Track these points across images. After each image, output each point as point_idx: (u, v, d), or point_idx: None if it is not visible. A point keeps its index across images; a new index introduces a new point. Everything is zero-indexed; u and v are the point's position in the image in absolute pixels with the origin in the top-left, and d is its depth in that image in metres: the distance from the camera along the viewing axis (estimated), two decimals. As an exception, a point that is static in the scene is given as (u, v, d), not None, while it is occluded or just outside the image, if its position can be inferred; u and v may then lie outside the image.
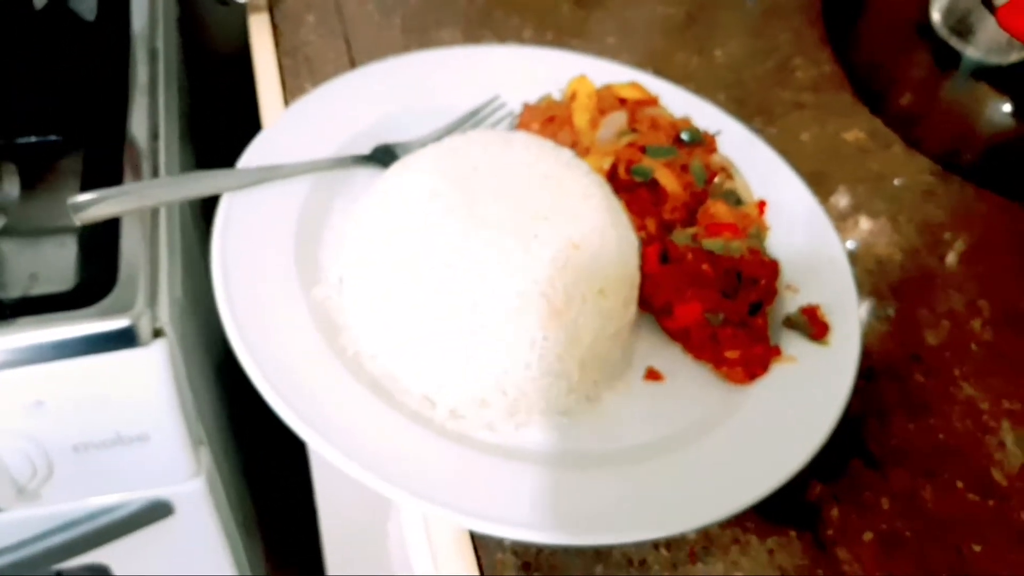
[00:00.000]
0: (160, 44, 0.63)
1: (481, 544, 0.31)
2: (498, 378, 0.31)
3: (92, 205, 0.34)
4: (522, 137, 0.36)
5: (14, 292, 0.46)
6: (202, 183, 0.36)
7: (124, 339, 0.45)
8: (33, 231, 0.50)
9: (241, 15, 0.86)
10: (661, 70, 0.47)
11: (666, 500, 0.30)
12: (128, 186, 0.35)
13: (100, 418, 0.48)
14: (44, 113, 0.59)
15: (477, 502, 0.28)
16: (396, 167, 0.35)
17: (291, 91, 0.44)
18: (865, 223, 0.45)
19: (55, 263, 0.49)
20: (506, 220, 0.31)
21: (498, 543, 0.30)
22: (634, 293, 0.34)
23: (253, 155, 0.38)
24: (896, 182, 0.47)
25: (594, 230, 0.32)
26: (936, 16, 0.47)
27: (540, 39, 0.50)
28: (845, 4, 0.56)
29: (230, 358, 0.37)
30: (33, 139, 0.56)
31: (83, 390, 0.46)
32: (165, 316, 0.47)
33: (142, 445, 0.49)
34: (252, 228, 0.35)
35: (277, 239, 0.35)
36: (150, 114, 0.56)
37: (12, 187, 0.53)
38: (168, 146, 0.56)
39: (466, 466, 0.29)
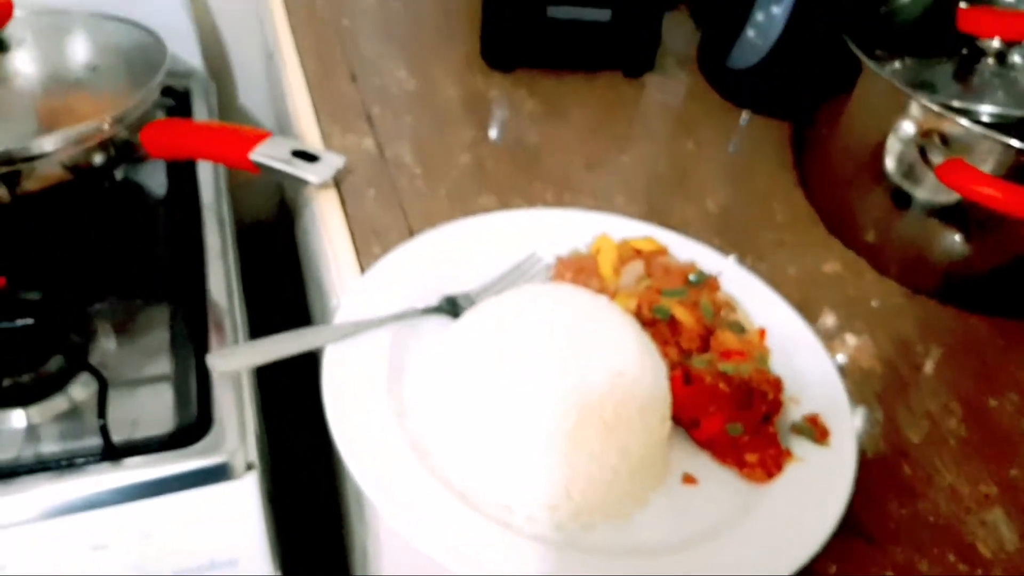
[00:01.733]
0: (225, 213, 0.73)
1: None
2: (565, 486, 0.38)
3: (228, 358, 0.42)
4: (565, 288, 0.44)
5: (120, 436, 0.53)
6: (312, 336, 0.44)
7: (221, 474, 0.52)
8: (129, 382, 0.58)
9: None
10: (664, 221, 0.57)
11: (711, 582, 0.37)
12: (255, 342, 0.42)
13: (198, 546, 0.54)
14: (129, 277, 0.67)
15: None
16: (466, 317, 0.43)
17: (362, 254, 0.53)
18: (849, 340, 0.53)
19: (152, 409, 0.57)
20: (562, 356, 0.39)
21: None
22: (668, 411, 0.41)
23: (344, 312, 0.46)
24: (872, 304, 0.56)
25: (632, 360, 0.40)
26: (889, 164, 0.57)
27: (560, 200, 0.60)
28: (812, 154, 0.66)
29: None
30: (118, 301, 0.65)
31: (185, 521, 0.53)
32: (253, 452, 0.54)
33: (232, 569, 0.55)
34: (351, 371, 0.43)
35: (371, 379, 0.43)
36: (225, 277, 0.65)
37: (109, 343, 0.61)
38: (240, 305, 0.64)
39: (547, 560, 0.36)
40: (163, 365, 0.60)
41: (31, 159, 0.61)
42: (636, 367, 0.40)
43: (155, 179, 0.78)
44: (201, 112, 0.83)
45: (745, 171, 0.67)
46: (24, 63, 0.69)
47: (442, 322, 0.48)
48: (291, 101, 0.68)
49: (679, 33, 0.84)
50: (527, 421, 0.38)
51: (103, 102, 0.68)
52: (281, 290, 0.95)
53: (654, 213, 0.59)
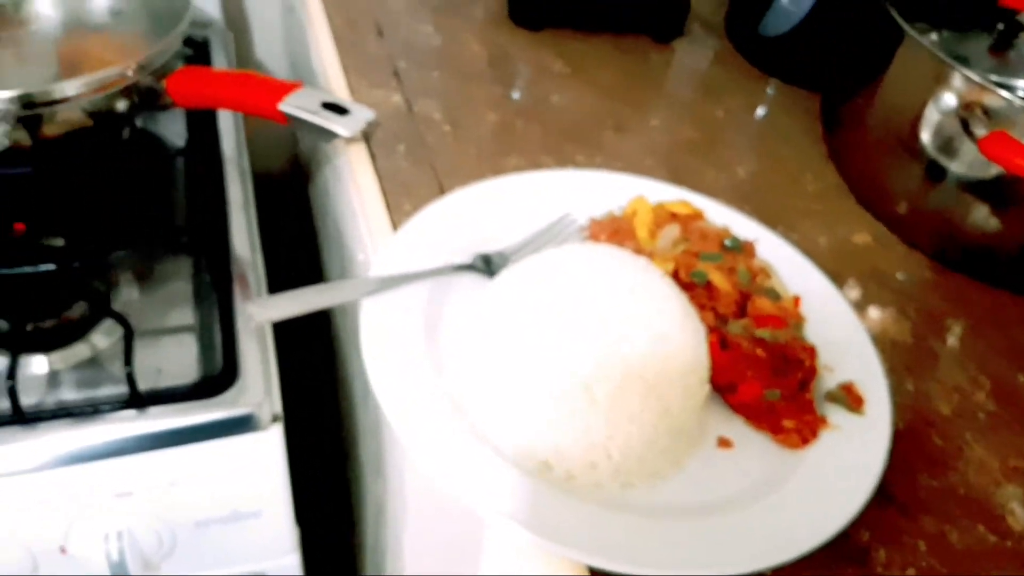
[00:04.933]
0: (246, 165, 0.72)
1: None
2: (605, 445, 0.38)
3: (268, 308, 0.41)
4: (605, 249, 0.44)
5: (145, 385, 0.53)
6: (351, 289, 0.44)
7: (247, 424, 0.52)
8: (152, 331, 0.57)
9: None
10: (693, 187, 0.56)
11: (745, 545, 0.37)
12: (294, 292, 0.42)
13: (221, 496, 0.54)
14: (151, 227, 0.67)
15: (601, 544, 0.35)
16: (505, 275, 0.43)
17: (393, 210, 0.52)
18: (877, 312, 0.53)
19: (176, 359, 0.56)
20: (605, 316, 0.39)
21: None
22: (706, 374, 0.41)
23: (378, 267, 0.46)
24: (899, 276, 0.56)
25: (674, 322, 0.40)
26: (925, 137, 0.56)
27: (591, 163, 0.59)
28: (844, 124, 0.65)
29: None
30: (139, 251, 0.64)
31: (209, 471, 0.53)
32: (278, 403, 0.54)
33: (255, 521, 0.55)
34: (388, 324, 0.42)
35: (408, 333, 0.42)
36: (247, 229, 0.65)
37: (132, 292, 0.61)
38: (260, 258, 0.64)
39: (588, 517, 0.36)
40: (187, 315, 0.60)
41: (53, 103, 0.60)
42: (678, 329, 0.39)
43: (173, 128, 0.77)
44: (220, 62, 0.81)
45: (773, 140, 0.67)
46: (45, 5, 0.67)
47: (476, 280, 0.47)
48: (316, 54, 0.67)
49: (705, -1, 0.83)
50: (569, 380, 0.37)
51: (125, 47, 0.67)
52: (292, 244, 0.94)
53: (682, 178, 0.58)
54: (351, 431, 0.75)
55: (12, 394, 0.50)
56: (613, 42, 0.74)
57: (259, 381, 0.53)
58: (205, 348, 0.57)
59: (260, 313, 0.42)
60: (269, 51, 1.03)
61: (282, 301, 0.41)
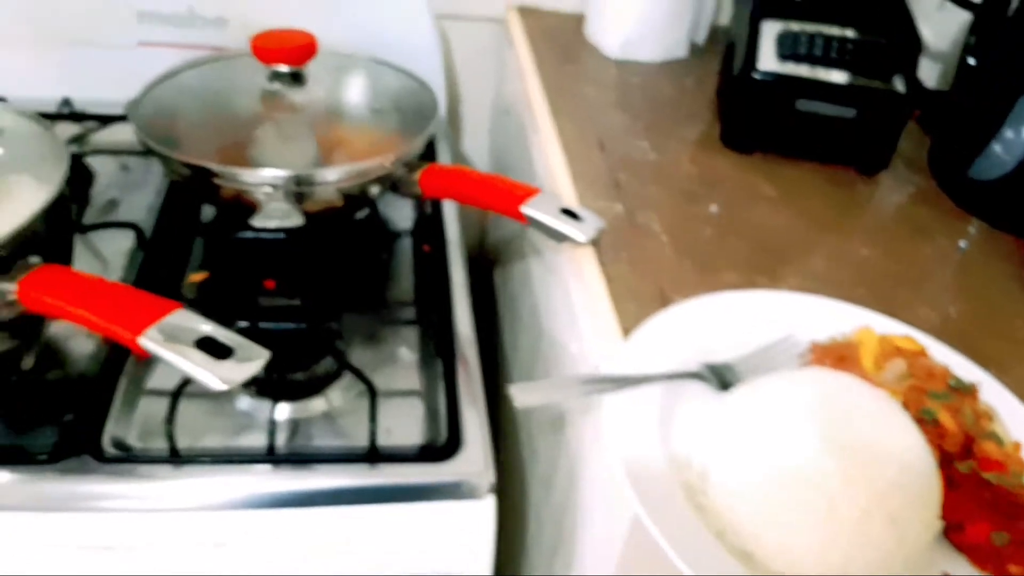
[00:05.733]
0: (463, 251, 0.79)
1: None
2: (843, 565, 0.40)
3: (528, 393, 0.46)
4: (847, 376, 0.47)
5: (379, 441, 0.59)
6: (598, 383, 0.48)
7: (467, 492, 0.57)
8: (384, 392, 0.63)
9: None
10: (907, 321, 0.58)
11: None
12: (551, 380, 0.47)
13: (429, 556, 0.58)
14: (381, 297, 0.74)
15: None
16: (745, 389, 0.46)
17: (620, 313, 0.57)
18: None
19: (403, 420, 0.62)
20: (853, 441, 0.41)
21: None
22: (939, 510, 0.43)
23: (616, 364, 0.50)
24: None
25: (918, 457, 0.42)
26: None
27: (803, 286, 0.62)
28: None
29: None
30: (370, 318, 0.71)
31: (422, 531, 0.57)
32: (494, 475, 0.58)
33: (452, 583, 0.59)
34: (630, 419, 0.46)
35: (646, 428, 0.46)
36: (469, 311, 0.71)
37: (363, 355, 0.67)
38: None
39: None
40: (412, 381, 0.66)
41: (316, 184, 0.69)
42: (921, 463, 0.41)
43: (401, 211, 0.86)
44: (444, 157, 0.90)
45: (981, 281, 0.68)
46: (315, 96, 0.77)
47: (701, 388, 0.51)
48: (543, 161, 0.74)
49: (905, 135, 0.85)
50: (815, 494, 0.40)
51: (376, 139, 0.76)
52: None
53: (894, 311, 0.60)
54: (523, 511, 0.79)
55: (271, 436, 0.57)
56: (819, 170, 0.78)
57: (480, 451, 0.58)
58: (430, 413, 0.63)
59: (521, 397, 0.47)
60: (473, 145, 1.13)
61: (542, 387, 0.46)
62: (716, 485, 0.43)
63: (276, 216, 0.65)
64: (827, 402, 0.44)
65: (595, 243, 0.62)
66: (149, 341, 0.44)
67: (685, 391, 0.51)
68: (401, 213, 0.86)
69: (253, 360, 0.46)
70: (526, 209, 0.62)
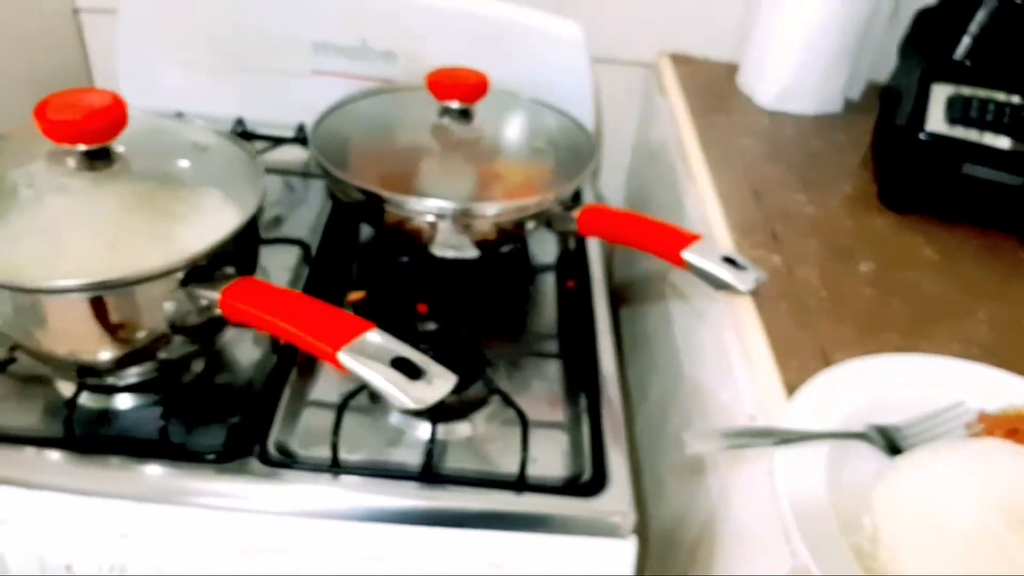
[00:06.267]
0: (607, 289, 0.81)
1: None
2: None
3: (703, 440, 0.47)
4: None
5: (527, 471, 0.60)
6: (769, 435, 0.48)
7: (611, 530, 0.57)
8: (534, 423, 0.64)
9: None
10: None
11: None
12: (724, 429, 0.47)
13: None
14: (524, 329, 0.76)
15: None
16: (931, 457, 0.46)
17: (781, 366, 0.57)
18: None
19: (547, 451, 0.63)
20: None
21: None
22: None
23: (782, 418, 0.50)
24: None
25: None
26: None
27: (967, 353, 0.60)
28: None
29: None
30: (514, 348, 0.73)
31: (561, 564, 0.58)
32: (636, 516, 0.59)
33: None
34: (800, 473, 0.46)
35: (817, 489, 0.46)
36: (615, 349, 0.72)
37: (508, 385, 0.69)
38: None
39: None
40: (556, 413, 0.67)
41: (477, 217, 0.72)
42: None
43: (544, 246, 0.88)
44: (588, 196, 0.92)
45: None
46: (480, 132, 0.80)
47: (867, 449, 0.50)
48: (700, 208, 0.75)
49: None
50: (994, 573, 0.39)
51: (535, 178, 0.79)
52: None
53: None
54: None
55: (429, 456, 0.60)
56: (978, 236, 0.75)
57: (625, 490, 0.59)
58: (574, 447, 0.64)
59: (695, 444, 0.48)
60: (609, 184, 1.15)
61: (716, 435, 0.47)
62: (888, 551, 0.43)
63: (453, 246, 0.68)
64: (1007, 476, 0.43)
65: (754, 293, 0.62)
66: (348, 357, 0.47)
67: (851, 451, 0.50)
68: (543, 247, 0.88)
69: (442, 383, 0.48)
70: (687, 255, 0.63)
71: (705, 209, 0.73)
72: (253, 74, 0.96)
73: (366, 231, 0.86)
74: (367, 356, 0.47)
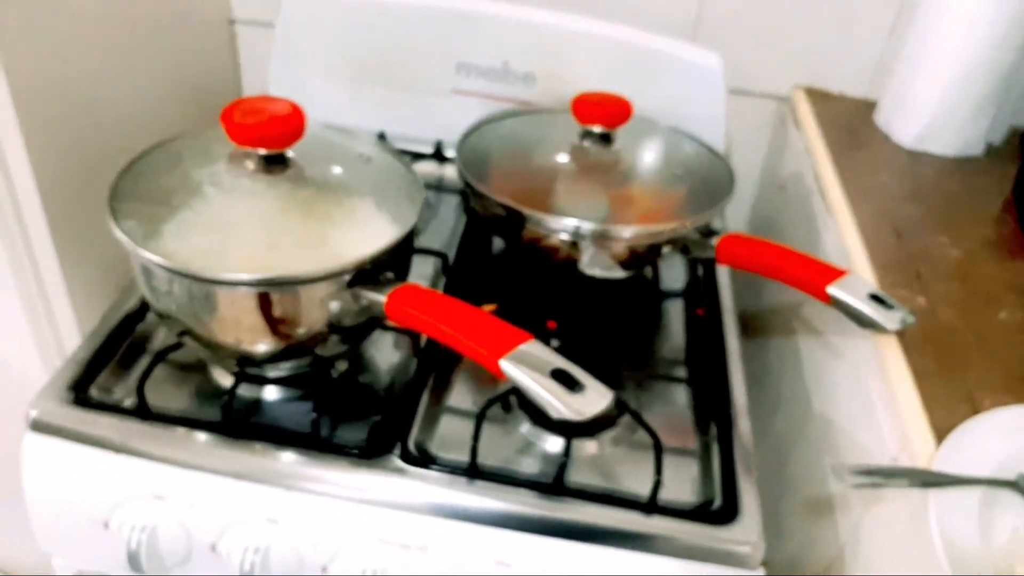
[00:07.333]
0: (736, 318, 0.81)
1: None
2: None
3: (858, 477, 0.47)
4: None
5: (645, 490, 0.60)
6: (921, 478, 0.48)
7: (741, 561, 0.58)
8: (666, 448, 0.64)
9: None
10: None
11: None
12: (895, 468, 0.47)
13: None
14: (653, 353, 0.77)
15: None
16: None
17: (929, 412, 0.56)
18: None
19: (676, 477, 0.64)
20: None
21: None
22: None
23: (933, 462, 0.50)
24: None
25: None
26: None
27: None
28: None
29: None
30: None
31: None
32: (764, 548, 0.59)
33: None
34: (956, 521, 0.46)
35: (971, 535, 0.45)
36: (745, 379, 0.72)
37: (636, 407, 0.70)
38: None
39: None
40: (685, 439, 0.67)
41: (614, 239, 0.73)
42: None
43: (672, 272, 0.88)
44: (716, 223, 0.92)
45: None
46: (618, 157, 0.82)
47: (1015, 497, 0.49)
48: (840, 244, 0.74)
49: None
50: None
51: (670, 205, 0.80)
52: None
53: None
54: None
55: (562, 469, 0.61)
56: None
57: (755, 521, 0.59)
58: (704, 474, 0.64)
59: (850, 479, 0.48)
60: (731, 212, 1.14)
61: (877, 472, 0.46)
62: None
63: (600, 265, 0.70)
64: None
65: (900, 334, 0.62)
66: (509, 364, 0.49)
67: (999, 498, 0.49)
68: (670, 273, 0.88)
69: (600, 398, 0.49)
70: (833, 290, 0.63)
71: (846, 245, 0.73)
72: (395, 90, 1.00)
73: (498, 245, 0.88)
74: (527, 365, 0.49)
